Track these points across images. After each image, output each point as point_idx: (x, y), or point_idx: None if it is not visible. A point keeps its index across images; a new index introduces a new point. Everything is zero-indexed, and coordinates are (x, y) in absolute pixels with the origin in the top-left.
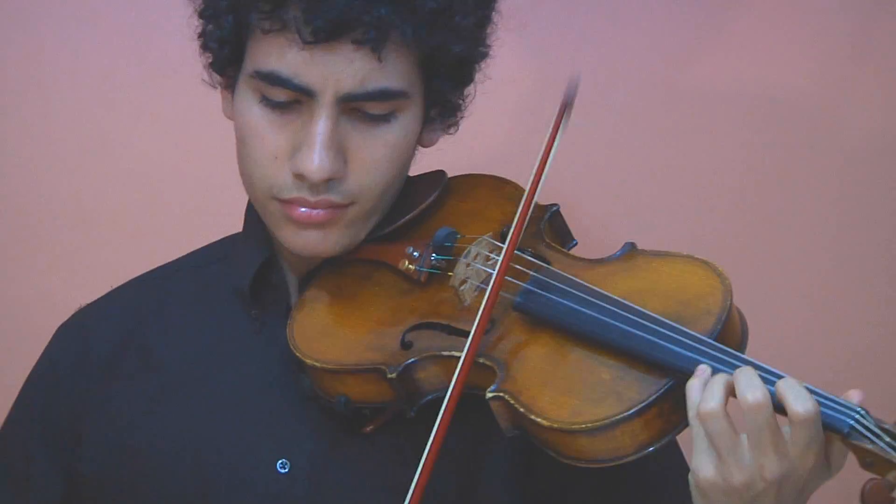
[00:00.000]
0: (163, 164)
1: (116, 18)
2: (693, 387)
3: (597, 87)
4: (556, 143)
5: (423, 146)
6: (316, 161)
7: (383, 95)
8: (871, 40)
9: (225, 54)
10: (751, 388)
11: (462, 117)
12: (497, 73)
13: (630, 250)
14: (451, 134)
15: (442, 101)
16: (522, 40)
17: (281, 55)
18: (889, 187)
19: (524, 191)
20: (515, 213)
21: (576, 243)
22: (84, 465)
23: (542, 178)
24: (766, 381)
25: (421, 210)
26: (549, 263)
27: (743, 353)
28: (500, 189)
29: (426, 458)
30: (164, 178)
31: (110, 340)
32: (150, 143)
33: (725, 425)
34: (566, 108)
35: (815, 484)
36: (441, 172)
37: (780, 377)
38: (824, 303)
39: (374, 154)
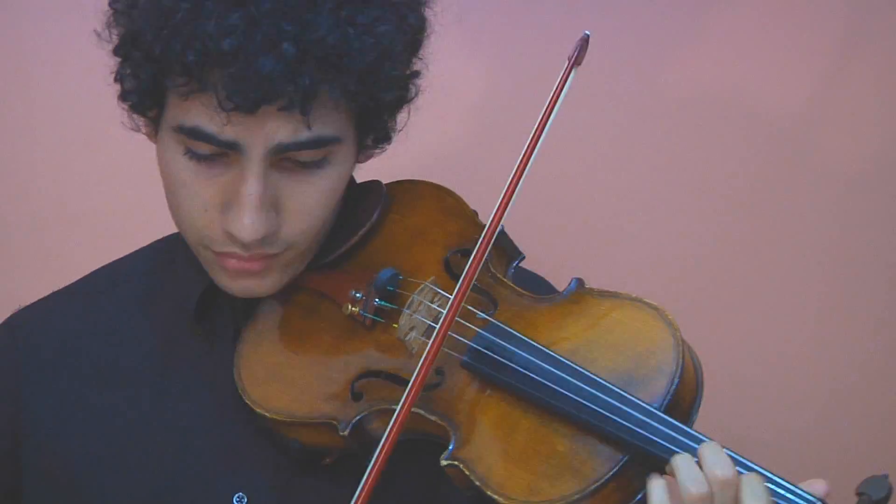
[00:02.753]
0: (149, 163)
1: (100, 7)
2: (658, 485)
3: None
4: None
5: (359, 163)
6: (247, 224)
7: (316, 144)
8: (857, 43)
9: (145, 103)
10: (719, 465)
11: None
12: (451, 75)
13: (577, 289)
14: (384, 148)
15: (377, 133)
16: (479, 43)
17: (204, 114)
18: (877, 193)
19: (466, 206)
20: (467, 237)
21: (523, 257)
22: (25, 480)
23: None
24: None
25: (362, 235)
26: (496, 304)
27: (698, 402)
28: (441, 202)
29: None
30: (150, 178)
31: (45, 357)
32: (136, 141)
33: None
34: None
35: None
36: (378, 185)
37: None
38: (805, 307)
39: (308, 201)
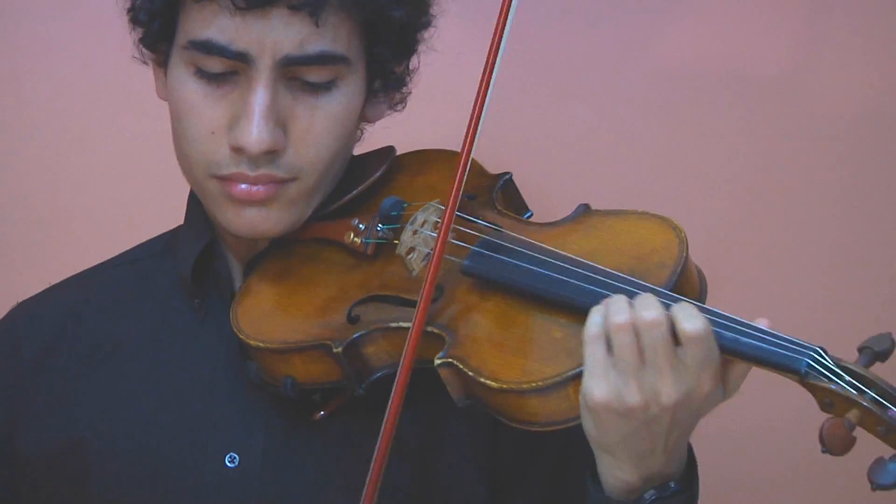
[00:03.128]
0: (142, 161)
1: (94, 6)
2: (596, 310)
3: (559, 64)
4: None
5: (369, 121)
6: (254, 133)
7: (323, 59)
8: (845, 8)
9: (156, 28)
10: (646, 307)
11: (408, 93)
12: (450, 55)
13: (584, 211)
14: (398, 111)
15: (385, 72)
16: (480, 23)
17: (215, 22)
18: (871, 162)
19: (479, 165)
20: (480, 188)
21: (531, 214)
22: (22, 459)
23: (483, 111)
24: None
25: (368, 185)
26: (501, 228)
27: (703, 300)
28: (452, 161)
29: (381, 441)
30: (143, 175)
31: (44, 338)
32: (129, 138)
33: (632, 338)
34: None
35: (708, 407)
36: (390, 148)
37: (675, 300)
38: (805, 283)
39: (316, 126)
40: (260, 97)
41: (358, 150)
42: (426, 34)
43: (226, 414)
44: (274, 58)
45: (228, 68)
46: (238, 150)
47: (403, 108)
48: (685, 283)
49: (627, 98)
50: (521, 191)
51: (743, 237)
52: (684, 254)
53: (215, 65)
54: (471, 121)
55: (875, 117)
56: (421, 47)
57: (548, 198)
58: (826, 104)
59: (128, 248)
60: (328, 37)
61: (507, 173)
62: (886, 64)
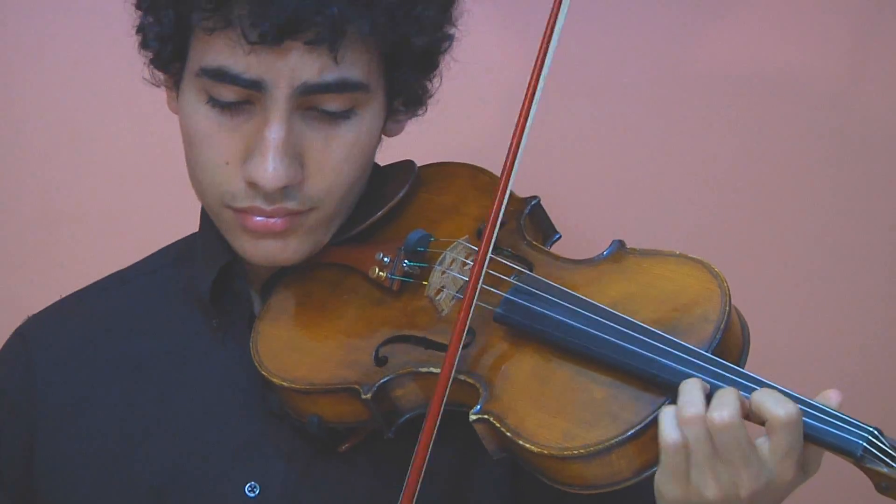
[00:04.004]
0: (137, 159)
1: (86, 5)
2: (668, 413)
3: (586, 71)
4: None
5: (389, 136)
6: (270, 169)
7: (343, 87)
8: (878, 19)
9: (167, 52)
10: (720, 406)
11: (430, 97)
12: (476, 59)
13: (618, 249)
14: (419, 116)
15: (406, 92)
16: (504, 24)
17: (229, 52)
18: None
19: (498, 180)
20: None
21: (559, 237)
22: (38, 483)
23: (516, 164)
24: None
25: (390, 207)
26: (531, 266)
27: (745, 357)
28: (475, 179)
29: (408, 484)
30: (138, 174)
31: (57, 355)
32: (123, 136)
33: (706, 432)
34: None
35: (789, 492)
36: (410, 163)
37: (758, 384)
38: (825, 296)
39: (333, 156)
40: (275, 132)
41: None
42: (449, 47)
43: (246, 441)
44: (291, 86)
45: (242, 97)
46: (252, 185)
47: (425, 112)
48: (729, 338)
49: (661, 106)
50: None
51: (779, 248)
52: (727, 307)
53: (229, 94)
54: (506, 160)
55: None
56: (445, 59)
57: (575, 213)
58: (874, 115)
59: (122, 248)
60: (347, 63)
61: (535, 197)
62: None
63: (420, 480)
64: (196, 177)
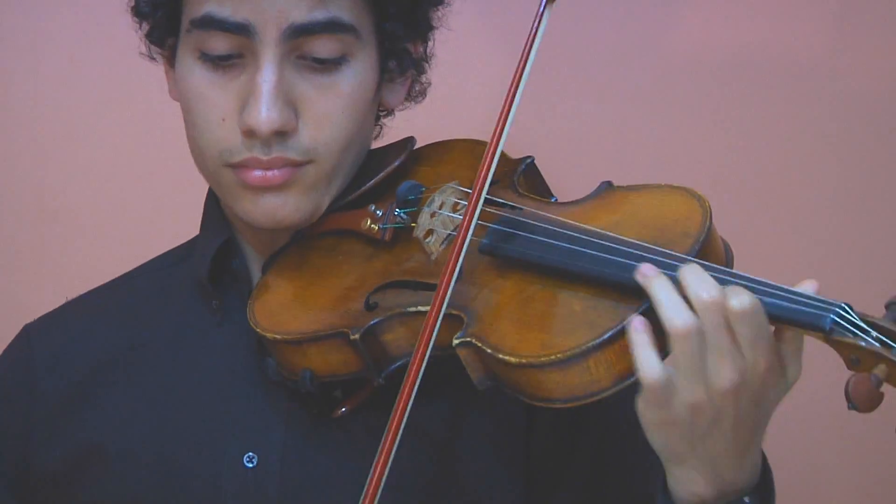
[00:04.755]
0: (132, 158)
1: (82, 2)
2: (636, 324)
3: (568, 51)
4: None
5: (387, 107)
6: (263, 112)
7: (332, 27)
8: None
9: (160, 18)
10: (701, 286)
11: (428, 84)
12: (470, 55)
13: (606, 189)
14: (418, 102)
15: (398, 51)
16: (494, 20)
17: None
18: (879, 150)
19: (501, 152)
20: (501, 173)
21: (555, 200)
22: (37, 475)
23: (517, 99)
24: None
25: (386, 174)
26: (520, 210)
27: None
28: (473, 150)
29: (392, 424)
30: (133, 173)
31: (60, 354)
32: (118, 134)
33: (701, 340)
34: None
35: (773, 394)
36: (409, 138)
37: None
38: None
39: (327, 105)
40: (267, 74)
41: (377, 146)
42: (439, 13)
43: (244, 413)
44: (279, 28)
45: (233, 49)
46: (249, 133)
47: (423, 98)
48: (710, 253)
49: (646, 89)
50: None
51: (761, 228)
52: (708, 222)
53: (219, 44)
54: (502, 111)
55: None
56: (436, 30)
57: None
58: (852, 95)
59: (119, 246)
60: (335, 6)
61: (529, 157)
62: None
63: (407, 415)
64: (195, 141)
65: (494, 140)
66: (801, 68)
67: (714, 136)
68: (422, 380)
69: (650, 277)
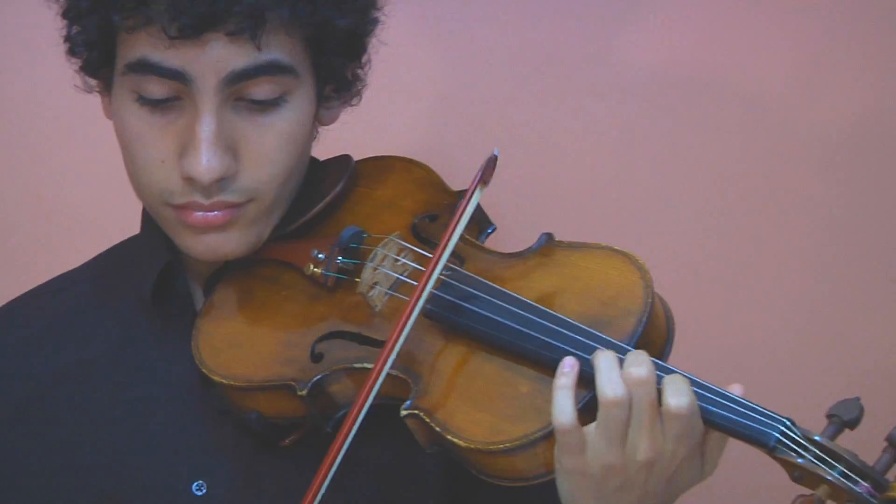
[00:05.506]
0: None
1: None
2: (567, 363)
3: (516, 66)
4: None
5: (324, 125)
6: (204, 162)
7: (271, 69)
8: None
9: (94, 57)
10: (636, 363)
11: (363, 87)
12: (411, 62)
13: (546, 243)
14: (353, 105)
15: (336, 78)
16: (434, 22)
17: (150, 46)
18: (834, 187)
19: (436, 176)
20: (437, 205)
21: (494, 229)
22: None
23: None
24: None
25: (327, 203)
26: (462, 261)
27: (669, 347)
28: (410, 173)
29: (320, 475)
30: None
31: (3, 364)
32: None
33: (627, 411)
34: (478, 184)
35: (685, 479)
36: (347, 158)
37: (670, 371)
38: (773, 294)
39: (267, 145)
40: (206, 124)
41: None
42: (377, 30)
43: (192, 439)
44: (218, 77)
45: (170, 93)
46: (189, 180)
47: (359, 101)
48: (652, 330)
49: (596, 102)
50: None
51: (715, 247)
52: (650, 299)
53: (155, 88)
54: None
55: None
56: (371, 43)
57: (511, 205)
58: (813, 130)
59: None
60: (273, 47)
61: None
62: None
63: (333, 471)
64: (134, 177)
65: (445, 239)
66: (761, 98)
67: (664, 158)
68: (374, 414)
69: (600, 351)
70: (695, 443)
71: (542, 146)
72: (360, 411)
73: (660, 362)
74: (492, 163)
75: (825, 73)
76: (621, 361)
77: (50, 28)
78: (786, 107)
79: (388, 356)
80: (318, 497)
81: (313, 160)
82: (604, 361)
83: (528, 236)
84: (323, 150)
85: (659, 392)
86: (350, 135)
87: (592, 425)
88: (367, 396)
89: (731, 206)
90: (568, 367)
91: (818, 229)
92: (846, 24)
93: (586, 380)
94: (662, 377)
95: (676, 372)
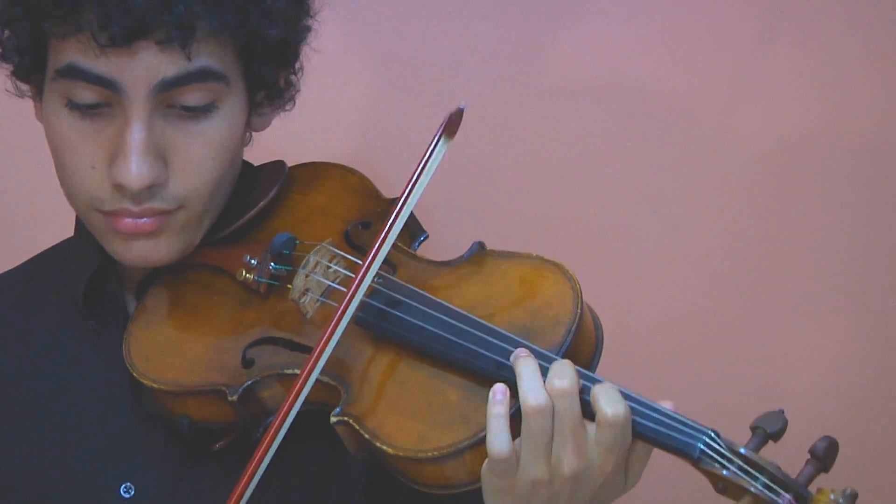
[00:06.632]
0: None
1: None
2: (498, 390)
3: (444, 78)
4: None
5: (256, 131)
6: (133, 170)
7: (201, 76)
8: (773, 20)
9: (26, 62)
10: (559, 375)
11: (296, 92)
12: (344, 68)
13: (478, 251)
14: (287, 111)
15: (267, 85)
16: (366, 26)
17: (81, 53)
18: (794, 175)
19: (370, 183)
20: (371, 213)
21: (426, 236)
22: None
23: (405, 213)
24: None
25: (260, 208)
26: (395, 268)
27: (597, 357)
28: (344, 180)
29: (245, 478)
30: None
31: None
32: None
33: (550, 422)
34: (442, 135)
35: (609, 492)
36: (281, 163)
37: (597, 381)
38: (697, 305)
39: (197, 153)
40: (136, 132)
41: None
42: (309, 39)
43: (121, 441)
44: (148, 86)
45: (100, 99)
46: (119, 188)
47: (293, 107)
48: (581, 340)
49: (530, 106)
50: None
51: (641, 254)
52: (578, 309)
53: (85, 94)
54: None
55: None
56: (305, 50)
57: (442, 212)
58: (745, 146)
59: None
60: (204, 56)
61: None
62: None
63: (259, 474)
64: (64, 182)
65: (382, 237)
66: (698, 101)
67: (598, 162)
68: (303, 419)
69: (520, 357)
70: (623, 452)
71: (476, 151)
72: (286, 416)
73: (587, 372)
74: (457, 115)
75: (763, 79)
76: (546, 370)
77: None
78: (721, 113)
79: (315, 362)
80: (244, 499)
81: (247, 165)
82: (525, 369)
83: (461, 243)
84: (256, 154)
85: (586, 403)
86: (283, 139)
87: (518, 440)
88: (293, 402)
89: (658, 212)
90: (500, 395)
91: (738, 242)
92: (788, 25)
93: (513, 390)
94: (591, 387)
95: (604, 382)
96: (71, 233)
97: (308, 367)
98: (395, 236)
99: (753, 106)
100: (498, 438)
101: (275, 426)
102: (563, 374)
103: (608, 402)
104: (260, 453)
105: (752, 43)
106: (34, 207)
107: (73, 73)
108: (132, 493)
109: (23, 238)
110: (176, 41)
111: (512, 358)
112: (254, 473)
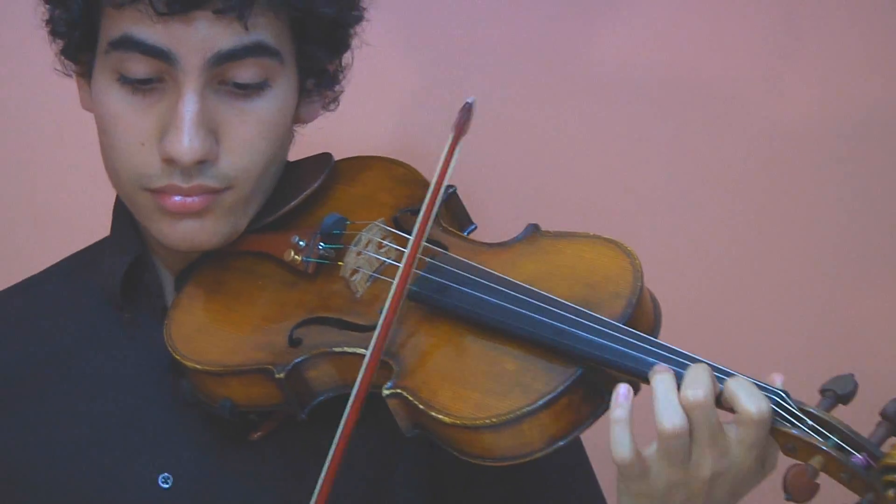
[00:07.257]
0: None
1: None
2: (622, 393)
3: (489, 69)
4: (451, 167)
5: (302, 122)
6: (185, 142)
7: (256, 50)
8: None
9: (77, 38)
10: (694, 385)
11: (341, 91)
12: (387, 64)
13: (533, 232)
14: (331, 111)
15: (317, 71)
16: (412, 28)
17: (135, 22)
18: (804, 181)
19: (418, 173)
20: (419, 200)
21: (475, 227)
22: None
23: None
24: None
25: (306, 196)
26: (446, 249)
27: (657, 332)
28: (390, 171)
29: (329, 465)
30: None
31: None
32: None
33: (687, 439)
34: (459, 135)
35: (747, 486)
36: (327, 155)
37: (728, 374)
38: (767, 276)
39: (248, 132)
40: (189, 104)
41: (291, 151)
42: (358, 29)
43: (158, 432)
44: (203, 57)
45: (153, 73)
46: (169, 162)
47: (336, 107)
48: (640, 315)
49: (574, 101)
50: (467, 195)
51: (691, 250)
52: (639, 283)
53: (138, 67)
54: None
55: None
56: (353, 42)
57: (492, 207)
58: (780, 123)
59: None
60: (258, 32)
61: (451, 186)
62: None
63: (340, 462)
64: (112, 162)
65: (430, 200)
66: (728, 93)
67: (636, 155)
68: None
69: (657, 373)
70: (763, 449)
71: (522, 145)
72: (364, 392)
73: (717, 365)
74: (467, 111)
75: (797, 67)
76: (679, 377)
77: (45, 29)
78: (760, 102)
79: (383, 338)
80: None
81: (288, 162)
82: (660, 385)
83: (510, 234)
84: (297, 153)
85: (720, 400)
86: (325, 139)
87: (653, 450)
88: (368, 377)
89: (717, 198)
90: (623, 398)
91: (807, 217)
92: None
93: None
94: (725, 380)
95: (737, 375)
96: (98, 237)
97: (376, 343)
98: (444, 197)
99: (794, 89)
100: (620, 444)
101: (355, 403)
102: (698, 382)
103: (750, 400)
104: (341, 437)
105: (790, 23)
106: (78, 206)
107: (128, 43)
108: (170, 483)
109: (64, 238)
110: (233, 11)
111: (650, 372)
112: (340, 455)
